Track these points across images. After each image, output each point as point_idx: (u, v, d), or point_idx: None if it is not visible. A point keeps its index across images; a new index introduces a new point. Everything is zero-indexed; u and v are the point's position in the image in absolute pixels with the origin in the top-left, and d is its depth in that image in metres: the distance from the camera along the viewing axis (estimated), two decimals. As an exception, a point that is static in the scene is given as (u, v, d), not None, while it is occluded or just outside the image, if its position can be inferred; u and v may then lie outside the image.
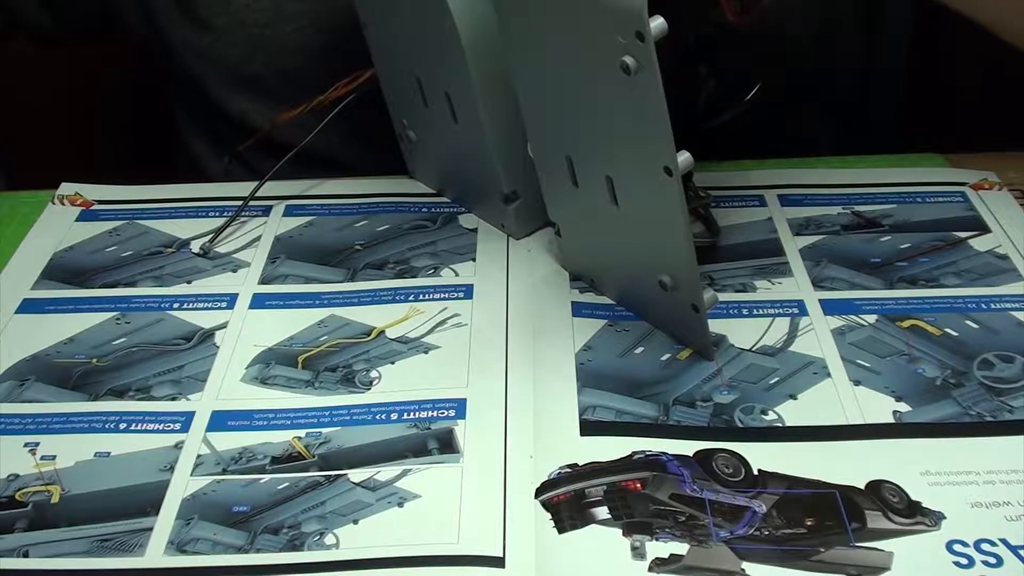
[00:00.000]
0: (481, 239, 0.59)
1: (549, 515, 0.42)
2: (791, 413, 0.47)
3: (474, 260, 0.57)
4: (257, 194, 0.60)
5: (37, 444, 0.47)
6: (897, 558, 0.40)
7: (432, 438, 0.46)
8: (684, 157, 0.43)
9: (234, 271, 0.57)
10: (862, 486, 0.43)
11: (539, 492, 0.43)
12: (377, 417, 0.47)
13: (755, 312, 0.52)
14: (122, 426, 0.47)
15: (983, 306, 0.52)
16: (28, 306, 0.55)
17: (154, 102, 0.78)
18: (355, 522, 0.43)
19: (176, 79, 0.73)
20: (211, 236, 0.59)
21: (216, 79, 0.70)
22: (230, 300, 0.55)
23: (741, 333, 0.51)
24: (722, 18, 0.47)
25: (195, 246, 0.59)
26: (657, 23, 0.40)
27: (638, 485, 0.43)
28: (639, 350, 0.50)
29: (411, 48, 0.55)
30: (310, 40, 0.66)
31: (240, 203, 0.60)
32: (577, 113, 0.46)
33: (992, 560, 0.40)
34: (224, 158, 0.67)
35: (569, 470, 0.44)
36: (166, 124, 0.78)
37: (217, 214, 0.61)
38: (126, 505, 0.44)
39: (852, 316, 0.52)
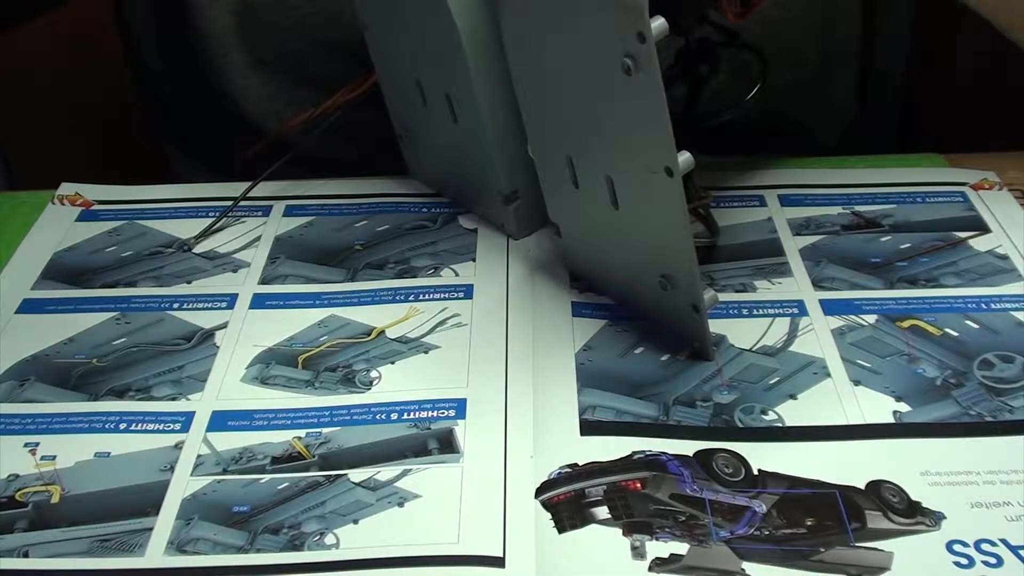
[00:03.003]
0: (481, 239, 0.59)
1: (549, 515, 0.42)
2: (791, 413, 0.47)
3: (474, 260, 0.57)
4: (258, 194, 0.60)
5: (37, 444, 0.47)
6: (897, 558, 0.40)
7: (432, 438, 0.46)
8: (684, 157, 0.43)
9: (234, 271, 0.57)
10: (862, 486, 0.43)
11: (539, 492, 0.43)
12: (377, 417, 0.48)
13: (755, 312, 0.52)
14: (122, 426, 0.47)
15: (983, 306, 0.52)
16: (28, 306, 0.55)
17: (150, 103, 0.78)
18: (355, 522, 0.43)
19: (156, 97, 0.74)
20: (198, 233, 0.59)
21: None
22: (230, 300, 0.55)
23: (741, 333, 0.51)
24: (723, 18, 0.47)
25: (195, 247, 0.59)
26: (658, 23, 0.40)
27: (638, 485, 0.43)
28: (639, 350, 0.50)
29: (411, 49, 0.55)
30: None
31: (236, 199, 0.60)
32: (578, 113, 0.46)
33: (992, 560, 0.40)
34: (236, 163, 0.67)
35: (569, 470, 0.44)
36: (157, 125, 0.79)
37: (217, 214, 0.61)
38: (126, 505, 0.44)
39: (852, 316, 0.52)
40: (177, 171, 0.78)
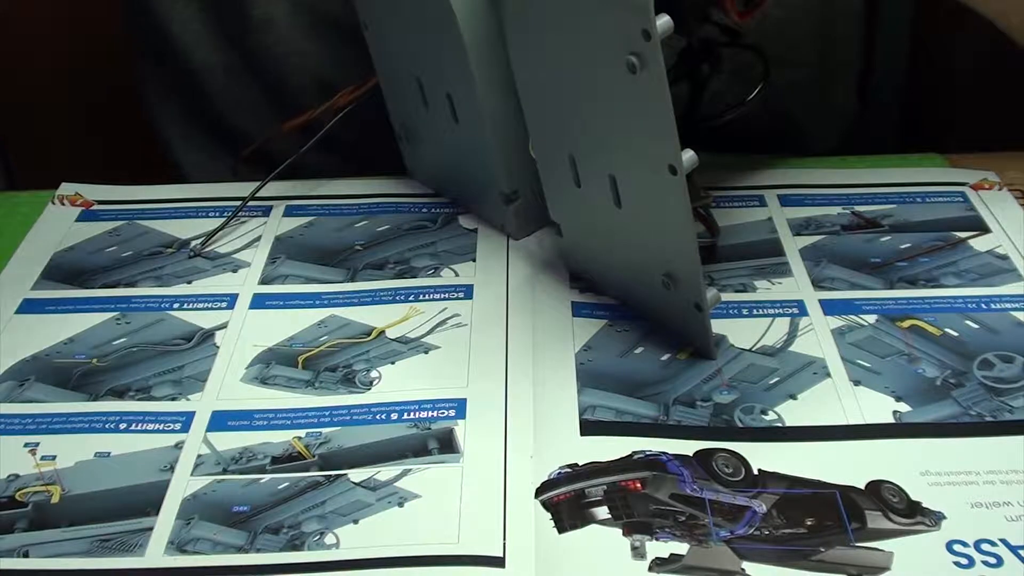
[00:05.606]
0: (481, 239, 0.59)
1: (549, 515, 0.42)
2: (791, 413, 0.47)
3: (474, 260, 0.57)
4: (258, 194, 0.60)
5: (37, 444, 0.47)
6: (897, 558, 0.40)
7: (432, 438, 0.46)
8: (688, 155, 0.43)
9: (234, 271, 0.57)
10: (862, 486, 0.43)
11: (539, 492, 0.43)
12: (377, 417, 0.48)
13: (755, 312, 0.52)
14: (122, 426, 0.47)
15: (983, 306, 0.52)
16: (28, 306, 0.55)
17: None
18: (355, 522, 0.43)
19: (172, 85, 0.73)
20: (203, 239, 0.59)
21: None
22: (230, 300, 0.55)
23: (741, 333, 0.51)
24: (725, 18, 0.47)
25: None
26: (663, 21, 0.40)
27: (638, 485, 0.43)
28: (639, 350, 0.50)
29: (412, 49, 0.55)
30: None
31: (240, 203, 0.60)
32: (581, 112, 0.46)
33: (992, 560, 0.40)
34: (232, 167, 0.67)
35: (569, 470, 0.44)
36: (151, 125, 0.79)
37: (217, 214, 0.61)
38: (126, 505, 0.44)
39: (852, 316, 0.52)
40: (176, 158, 0.77)
